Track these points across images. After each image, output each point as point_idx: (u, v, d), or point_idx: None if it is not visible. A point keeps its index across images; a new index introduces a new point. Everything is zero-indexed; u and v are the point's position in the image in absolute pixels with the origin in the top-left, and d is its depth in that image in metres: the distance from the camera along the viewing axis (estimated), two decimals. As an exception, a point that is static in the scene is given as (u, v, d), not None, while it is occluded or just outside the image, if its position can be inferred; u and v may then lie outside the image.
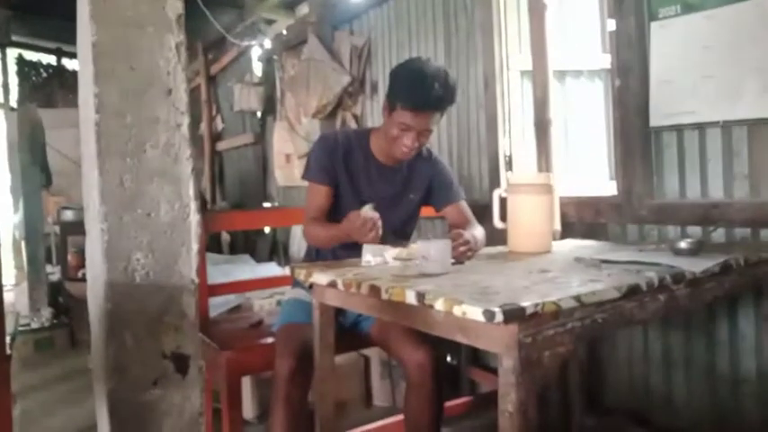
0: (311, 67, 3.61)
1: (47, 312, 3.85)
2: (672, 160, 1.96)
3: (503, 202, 1.78)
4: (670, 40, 1.90)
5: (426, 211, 1.91)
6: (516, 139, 2.55)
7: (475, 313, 0.88)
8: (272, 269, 2.52)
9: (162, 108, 0.70)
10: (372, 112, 3.44)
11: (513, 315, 0.86)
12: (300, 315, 1.64)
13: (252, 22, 4.76)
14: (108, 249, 0.66)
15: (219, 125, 5.82)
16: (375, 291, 1.11)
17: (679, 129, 1.92)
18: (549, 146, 2.21)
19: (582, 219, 2.23)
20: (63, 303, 4.10)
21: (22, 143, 4.00)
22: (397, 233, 1.73)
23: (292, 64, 4.10)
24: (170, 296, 0.70)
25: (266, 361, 1.63)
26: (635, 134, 2.02)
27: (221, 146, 5.76)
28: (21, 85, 6.81)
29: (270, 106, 4.66)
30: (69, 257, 4.27)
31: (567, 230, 2.21)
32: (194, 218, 0.72)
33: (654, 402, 2.01)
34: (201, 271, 1.99)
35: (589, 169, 2.63)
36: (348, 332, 1.71)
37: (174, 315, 0.71)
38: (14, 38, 6.68)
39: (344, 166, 1.70)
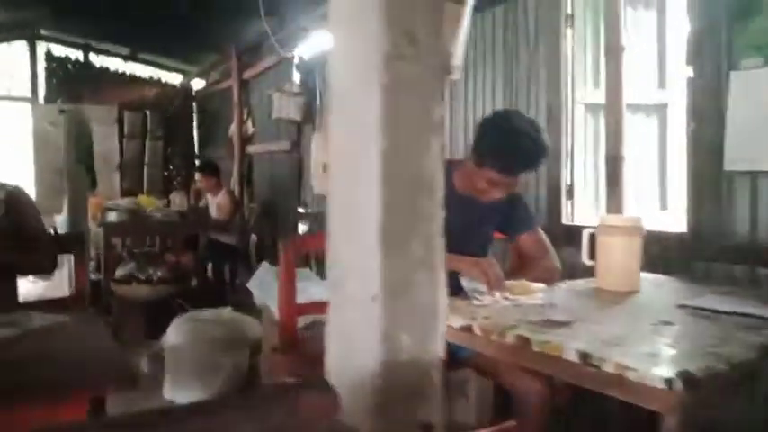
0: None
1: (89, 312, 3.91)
2: (744, 203, 2.05)
3: (591, 240, 1.87)
4: (750, 89, 2.00)
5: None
6: (578, 170, 2.64)
7: (653, 379, 0.97)
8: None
9: (424, 204, 0.78)
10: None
11: (691, 383, 0.95)
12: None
13: (293, 30, 4.82)
14: (385, 331, 0.74)
15: (250, 129, 5.88)
16: (524, 341, 1.19)
17: (754, 174, 2.02)
18: (621, 182, 2.30)
19: (646, 251, 2.32)
20: (104, 302, 4.16)
21: (68, 145, 4.06)
22: None
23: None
24: (424, 371, 0.78)
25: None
26: (708, 176, 2.11)
27: (253, 149, 5.82)
28: (48, 80, 6.83)
29: (308, 116, 4.72)
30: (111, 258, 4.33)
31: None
32: (444, 301, 0.80)
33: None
34: (289, 290, 2.07)
35: (641, 200, 2.73)
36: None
37: (426, 388, 0.79)
38: (43, 32, 6.71)
39: None
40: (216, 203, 4.98)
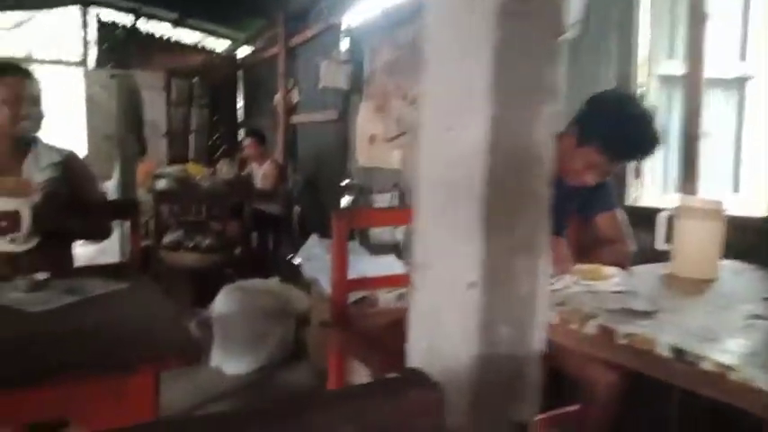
0: (416, 51, 3.56)
1: (139, 278, 3.98)
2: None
3: (669, 223, 1.74)
4: None
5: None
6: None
7: (759, 381, 0.88)
8: (392, 264, 2.54)
9: (532, 180, 0.69)
10: (476, 102, 3.38)
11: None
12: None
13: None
14: (482, 322, 0.67)
15: (295, 98, 5.82)
16: (606, 332, 1.10)
17: None
18: (698, 161, 2.14)
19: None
20: (154, 269, 4.23)
21: (119, 111, 4.09)
22: None
23: (389, 45, 4.04)
24: (521, 366, 0.70)
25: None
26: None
27: (297, 119, 5.77)
28: (98, 45, 6.90)
29: (356, 85, 4.62)
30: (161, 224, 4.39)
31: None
32: (545, 290, 0.72)
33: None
34: (342, 266, 2.02)
35: (712, 181, 2.55)
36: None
37: (522, 384, 0.71)
38: (94, -4, 6.76)
39: None
40: (261, 172, 4.97)
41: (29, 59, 6.43)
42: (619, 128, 1.48)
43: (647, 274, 1.64)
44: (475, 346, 0.67)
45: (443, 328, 0.72)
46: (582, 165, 1.55)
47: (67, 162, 1.92)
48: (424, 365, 0.75)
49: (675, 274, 1.71)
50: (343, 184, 4.85)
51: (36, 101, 1.83)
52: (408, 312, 0.80)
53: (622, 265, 1.64)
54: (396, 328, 1.99)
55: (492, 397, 0.69)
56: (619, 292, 1.36)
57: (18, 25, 6.83)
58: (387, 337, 1.89)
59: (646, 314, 1.21)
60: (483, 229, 0.66)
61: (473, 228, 0.66)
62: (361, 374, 2.32)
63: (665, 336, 1.05)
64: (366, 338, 1.90)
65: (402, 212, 2.23)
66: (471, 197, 0.67)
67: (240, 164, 5.38)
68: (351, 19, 4.74)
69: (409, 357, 0.79)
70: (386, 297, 2.34)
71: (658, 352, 1.02)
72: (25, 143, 1.86)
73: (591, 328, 1.13)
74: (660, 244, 1.76)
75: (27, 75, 1.83)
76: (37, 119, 1.85)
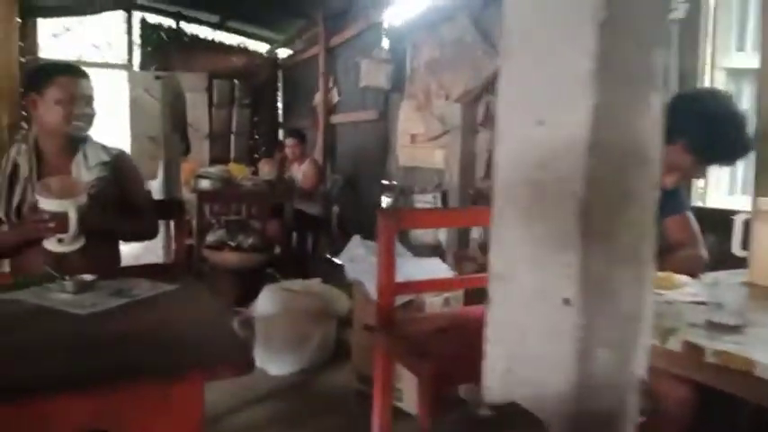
0: (459, 48, 3.47)
1: (182, 276, 4.01)
2: None
3: (746, 227, 1.61)
4: None
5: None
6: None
7: None
8: (437, 267, 2.46)
9: (638, 181, 0.60)
10: (524, 99, 3.26)
11: None
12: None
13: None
14: (580, 345, 0.58)
15: (335, 98, 5.80)
16: (693, 350, 1.00)
17: None
18: (773, 160, 1.99)
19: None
20: (197, 268, 4.25)
21: (164, 111, 4.12)
22: None
23: (431, 43, 3.96)
24: (622, 394, 0.61)
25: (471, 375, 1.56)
26: None
27: (337, 119, 5.74)
28: (142, 47, 7.04)
29: (397, 84, 4.55)
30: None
31: None
32: (650, 307, 0.62)
33: None
34: (389, 268, 1.95)
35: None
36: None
37: (621, 418, 0.62)
38: (139, 0, 6.89)
39: None
40: (301, 172, 4.96)
41: (79, 62, 6.59)
42: (712, 127, 1.36)
43: (724, 282, 1.51)
44: (570, 374, 0.59)
45: (529, 351, 0.63)
46: (664, 165, 1.43)
47: (116, 161, 1.91)
48: (502, 390, 0.66)
49: (753, 281, 1.57)
50: (384, 184, 4.79)
51: (89, 100, 1.83)
52: (484, 324, 0.72)
53: (695, 271, 1.52)
54: (444, 334, 1.91)
55: (593, 428, 0.60)
56: (699, 303, 1.24)
57: (68, 30, 7.04)
58: (435, 344, 1.81)
59: (733, 329, 1.09)
60: (580, 236, 0.58)
61: (568, 235, 0.58)
62: (407, 380, 2.25)
63: (759, 354, 0.94)
64: (413, 344, 1.82)
65: (451, 213, 2.15)
66: (566, 200, 0.58)
67: (280, 164, 5.38)
68: (391, 17, 4.68)
69: (485, 377, 0.71)
70: (432, 301, 2.26)
71: (759, 375, 0.91)
72: (76, 142, 1.86)
73: (674, 344, 1.03)
74: (737, 249, 1.63)
75: (81, 74, 1.83)
76: (89, 118, 1.84)
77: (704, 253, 1.66)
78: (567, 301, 0.59)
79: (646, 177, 0.60)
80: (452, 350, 1.75)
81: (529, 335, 0.64)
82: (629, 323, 0.61)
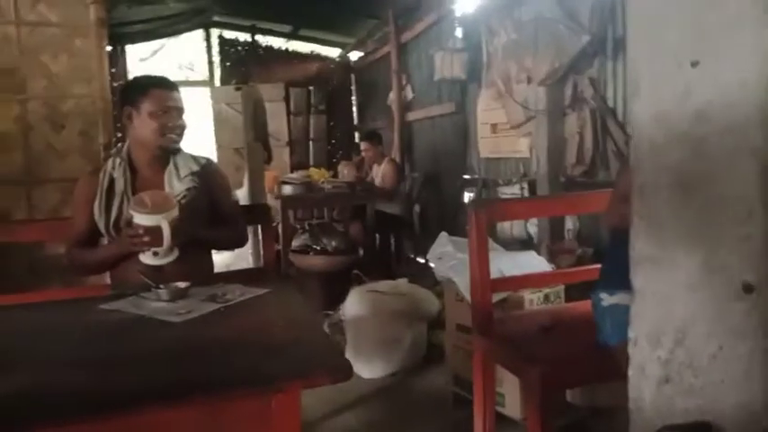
0: (539, 28, 3.27)
1: (270, 281, 4.08)
2: None
3: None
4: None
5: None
6: None
7: None
8: (533, 260, 2.31)
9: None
10: (615, 75, 3.02)
11: None
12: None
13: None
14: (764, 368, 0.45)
15: (410, 95, 5.72)
16: None
17: None
18: None
19: None
20: (284, 273, 4.32)
21: (246, 122, 4.22)
22: None
23: (508, 25, 3.78)
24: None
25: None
26: None
27: (413, 116, 5.67)
28: (222, 63, 7.32)
29: (473, 73, 4.40)
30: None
31: None
32: None
33: None
34: (483, 264, 1.84)
35: None
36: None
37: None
38: (216, 18, 7.17)
39: None
40: (381, 173, 4.92)
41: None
42: None
43: None
44: (755, 382, 0.46)
45: (694, 353, 0.50)
46: None
47: (205, 170, 1.93)
48: (657, 402, 0.54)
49: None
50: (465, 178, 4.65)
51: (180, 112, 1.86)
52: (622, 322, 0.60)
53: None
54: (549, 334, 1.76)
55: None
56: None
57: (154, 54, 7.45)
58: (540, 345, 1.67)
59: None
60: (762, 201, 0.44)
61: (744, 201, 0.45)
62: (509, 383, 2.11)
63: None
64: (517, 346, 1.69)
65: (547, 202, 1.99)
66: (739, 157, 0.45)
67: (358, 166, 5.38)
68: (464, 4, 4.53)
69: (631, 387, 0.59)
70: (531, 298, 2.11)
71: None
72: (168, 153, 1.89)
73: None
74: None
75: (173, 87, 1.86)
76: (181, 130, 1.88)
77: None
78: (748, 288, 0.46)
79: None
80: (561, 351, 1.61)
81: (693, 333, 0.51)
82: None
